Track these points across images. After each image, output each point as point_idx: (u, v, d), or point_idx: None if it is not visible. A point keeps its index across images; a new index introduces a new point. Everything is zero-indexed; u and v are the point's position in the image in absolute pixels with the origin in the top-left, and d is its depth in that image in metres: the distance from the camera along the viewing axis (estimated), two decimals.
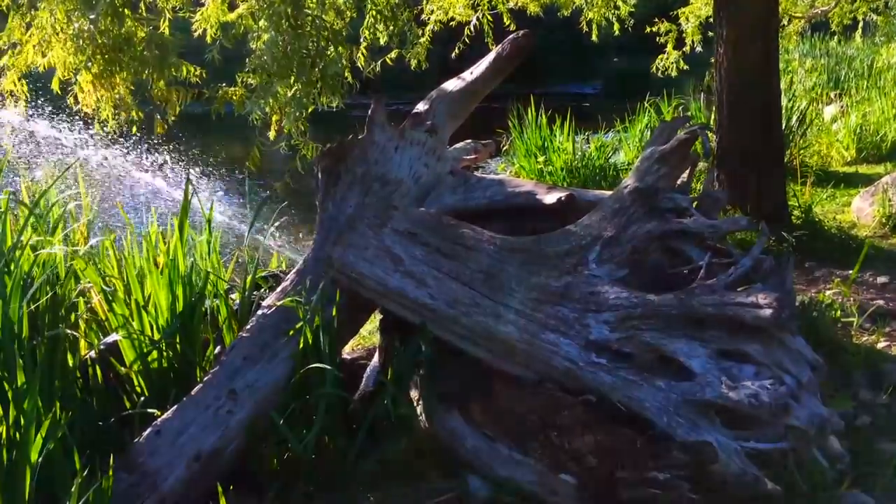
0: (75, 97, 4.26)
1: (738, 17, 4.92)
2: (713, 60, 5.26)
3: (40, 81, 4.32)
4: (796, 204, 5.19)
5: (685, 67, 6.31)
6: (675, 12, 7.01)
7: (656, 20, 7.02)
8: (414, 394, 3.02)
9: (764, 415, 2.39)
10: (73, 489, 2.10)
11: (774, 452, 2.48)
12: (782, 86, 5.73)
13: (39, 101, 4.71)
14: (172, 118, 4.37)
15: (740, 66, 4.96)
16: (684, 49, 6.25)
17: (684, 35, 6.27)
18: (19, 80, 4.03)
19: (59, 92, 4.22)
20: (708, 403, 2.47)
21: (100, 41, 3.98)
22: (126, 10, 3.85)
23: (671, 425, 2.47)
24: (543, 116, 6.90)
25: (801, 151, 7.04)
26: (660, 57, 6.33)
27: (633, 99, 7.84)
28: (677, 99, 7.79)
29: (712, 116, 6.04)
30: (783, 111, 5.94)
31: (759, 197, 4.87)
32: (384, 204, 3.11)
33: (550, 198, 3.38)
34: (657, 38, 6.41)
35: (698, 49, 6.26)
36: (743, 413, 2.45)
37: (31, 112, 4.57)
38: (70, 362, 2.83)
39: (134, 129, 4.36)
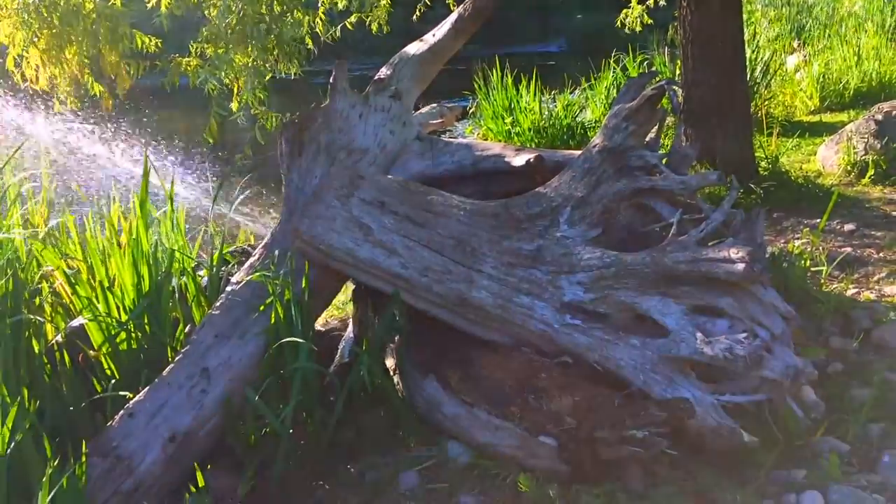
0: (23, 75, 4.12)
1: None
2: (676, 14, 5.22)
3: None
4: (763, 155, 5.21)
5: (650, 22, 6.26)
6: None
7: None
8: (390, 363, 3.00)
9: (739, 368, 2.41)
10: (44, 479, 2.06)
11: (750, 405, 2.51)
12: (745, 37, 5.70)
13: None
14: (123, 92, 4.25)
15: (704, 18, 4.93)
16: (648, 3, 6.19)
17: None
18: None
19: (13, 70, 4.07)
20: (683, 359, 2.48)
21: (45, 15, 3.83)
22: None
23: (647, 383, 2.48)
24: (509, 77, 6.82)
25: (766, 102, 7.05)
26: (624, 12, 6.27)
27: (598, 56, 7.78)
28: (642, 54, 7.75)
29: (677, 70, 6.02)
30: (748, 63, 5.93)
31: (727, 150, 4.87)
32: (351, 173, 3.05)
33: (519, 160, 3.34)
34: None
35: (662, 3, 6.20)
36: (718, 367, 2.47)
37: None
38: (36, 348, 2.76)
39: (78, 104, 4.23)
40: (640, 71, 7.30)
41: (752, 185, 4.67)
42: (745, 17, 6.11)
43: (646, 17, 6.26)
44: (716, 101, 4.93)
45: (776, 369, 2.44)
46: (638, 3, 6.28)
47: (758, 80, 7.07)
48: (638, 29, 6.33)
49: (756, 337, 2.47)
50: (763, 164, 5.16)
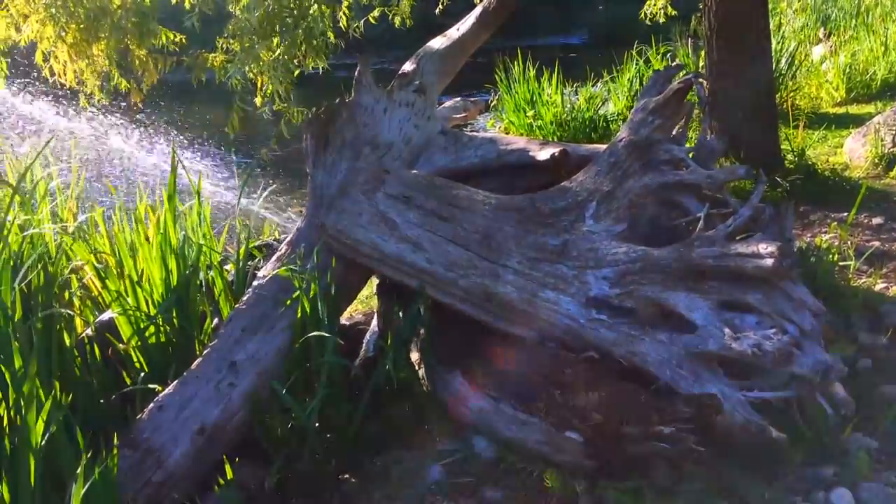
0: (51, 69, 4.17)
1: None
2: (702, 6, 5.17)
3: (25, 58, 4.22)
4: (789, 148, 5.15)
5: (673, 13, 6.20)
6: None
7: None
8: (415, 357, 3.01)
9: (767, 364, 2.40)
10: (78, 471, 2.09)
11: (778, 401, 2.49)
12: (770, 28, 5.64)
13: (19, 76, 4.60)
14: (148, 87, 4.29)
15: (729, 9, 4.87)
16: None
17: None
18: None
19: (42, 64, 4.12)
20: (711, 355, 2.47)
21: (73, 10, 3.87)
22: None
23: (674, 378, 2.47)
24: (531, 69, 6.79)
25: (792, 94, 6.96)
26: (647, 3, 6.21)
27: (620, 48, 7.72)
28: (665, 46, 7.68)
29: (700, 61, 5.95)
30: (773, 54, 5.85)
31: (752, 143, 4.82)
32: (376, 168, 3.05)
33: (543, 154, 3.33)
34: None
35: None
36: (746, 363, 2.45)
37: (12, 87, 4.47)
38: (67, 341, 2.80)
39: (106, 99, 4.27)
40: (664, 63, 7.23)
41: (778, 178, 4.62)
42: (770, 7, 6.03)
43: (669, 8, 6.20)
44: (741, 93, 4.88)
45: (806, 366, 2.42)
46: None
47: (783, 72, 6.98)
48: (662, 20, 6.28)
49: (785, 333, 2.45)
50: (789, 156, 5.10)
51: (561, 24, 16.62)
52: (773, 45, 6.36)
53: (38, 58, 3.96)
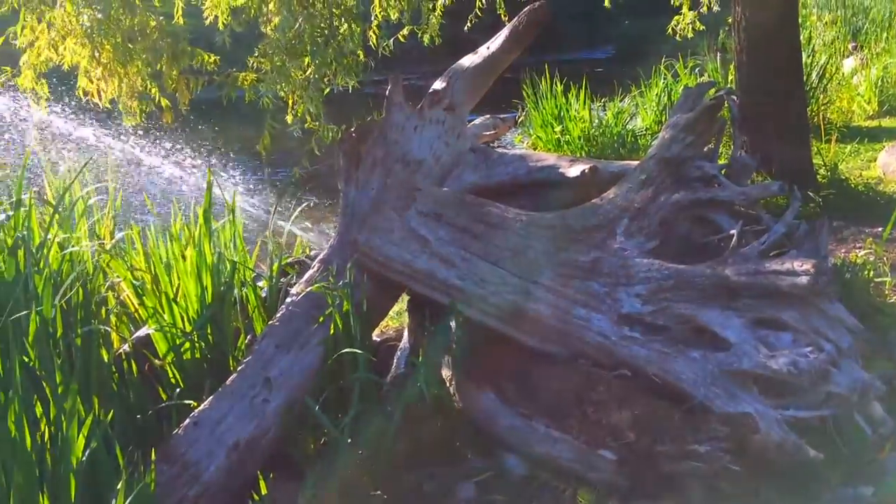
0: (84, 90, 4.26)
1: None
2: (730, 20, 5.15)
3: (64, 79, 4.32)
4: (821, 162, 5.11)
5: (702, 28, 6.18)
6: None
7: None
8: (446, 373, 3.02)
9: (803, 383, 2.38)
10: (119, 486, 2.12)
11: (815, 420, 2.46)
12: (801, 41, 5.60)
13: (61, 97, 4.71)
14: (184, 107, 4.36)
15: (759, 23, 4.85)
16: (701, 9, 6.12)
17: None
18: (39, 79, 4.01)
19: (86, 86, 4.21)
20: (745, 373, 2.46)
21: (109, 30, 3.95)
22: (137, 1, 3.81)
23: (709, 397, 2.46)
24: (558, 85, 6.80)
25: (823, 108, 6.90)
26: (675, 18, 6.20)
27: (647, 62, 7.70)
28: (693, 60, 7.65)
29: (729, 75, 5.92)
30: (804, 68, 5.81)
31: (784, 158, 4.78)
32: (407, 185, 3.08)
33: (574, 171, 3.34)
34: (670, 1, 6.29)
35: (716, 8, 6.12)
36: (781, 381, 2.43)
37: (51, 107, 4.57)
38: (105, 357, 2.85)
39: (140, 119, 4.35)
40: (693, 77, 7.21)
41: (811, 194, 4.57)
42: (799, 20, 5.99)
43: (698, 23, 6.18)
44: (772, 107, 4.85)
45: (843, 384, 2.39)
46: (689, 9, 6.20)
47: (814, 85, 6.92)
48: (690, 35, 6.26)
49: (821, 351, 2.43)
50: (822, 171, 5.05)
51: (587, 39, 16.62)
52: (804, 59, 6.31)
53: (81, 79, 4.05)
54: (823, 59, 7.45)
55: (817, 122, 6.32)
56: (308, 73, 3.82)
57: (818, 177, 5.01)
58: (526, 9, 3.87)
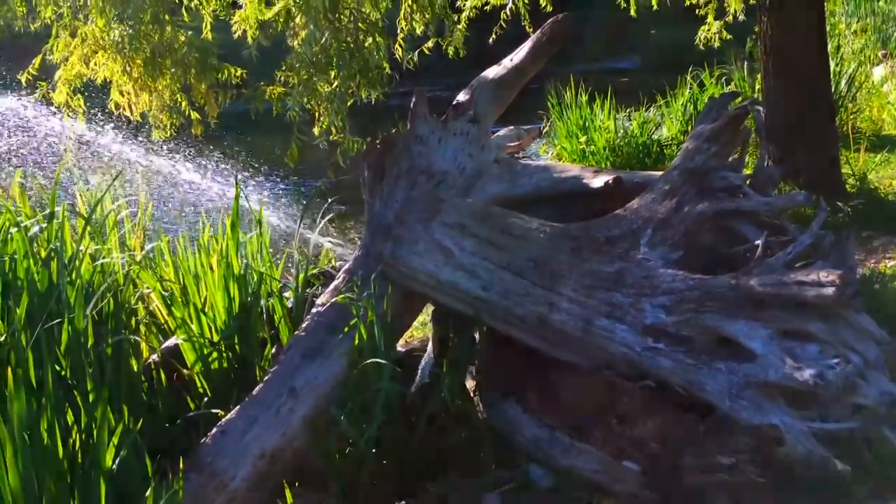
0: (116, 104, 4.35)
1: None
2: (756, 29, 5.13)
3: (95, 92, 4.42)
4: (850, 172, 5.06)
5: (728, 37, 6.15)
6: None
7: None
8: (470, 384, 3.03)
9: (830, 395, 2.35)
10: (147, 493, 2.16)
11: (843, 432, 2.43)
12: (829, 49, 5.56)
13: (93, 111, 4.81)
14: (212, 119, 4.43)
15: (786, 32, 4.83)
16: (726, 18, 6.09)
17: (725, 4, 6.12)
18: (74, 93, 4.10)
19: (119, 100, 4.30)
20: (771, 385, 2.43)
21: (139, 45, 4.04)
22: (167, 16, 3.89)
23: (734, 408, 2.44)
24: (583, 95, 6.80)
25: (853, 116, 6.83)
26: (702, 29, 6.18)
27: (673, 72, 7.66)
28: (719, 69, 7.61)
29: (756, 84, 5.88)
30: (832, 76, 5.76)
31: (811, 167, 4.74)
32: (431, 197, 3.10)
33: (598, 182, 3.34)
34: (696, 11, 6.27)
35: (741, 17, 6.08)
36: (808, 393, 2.41)
37: (85, 122, 4.67)
38: (134, 367, 2.90)
39: (170, 132, 4.43)
40: (719, 86, 7.16)
41: (840, 203, 4.53)
42: (827, 28, 5.95)
43: (724, 32, 6.16)
44: (799, 117, 4.81)
45: (871, 396, 2.37)
46: (715, 19, 6.18)
47: (843, 94, 6.85)
48: (716, 44, 6.24)
49: (848, 362, 2.40)
50: (850, 180, 5.00)
51: (612, 49, 16.58)
52: (832, 67, 6.26)
53: (114, 94, 4.14)
54: (852, 67, 7.37)
55: (846, 131, 6.26)
56: (334, 86, 3.87)
57: (847, 186, 4.96)
58: (550, 20, 3.88)
